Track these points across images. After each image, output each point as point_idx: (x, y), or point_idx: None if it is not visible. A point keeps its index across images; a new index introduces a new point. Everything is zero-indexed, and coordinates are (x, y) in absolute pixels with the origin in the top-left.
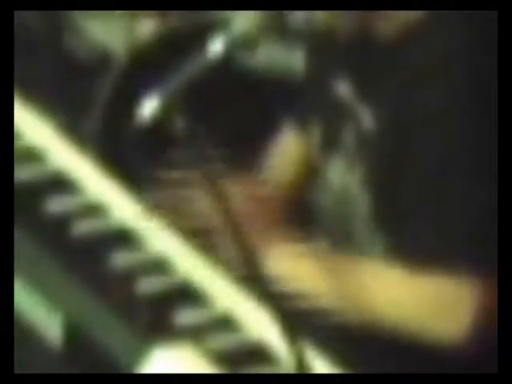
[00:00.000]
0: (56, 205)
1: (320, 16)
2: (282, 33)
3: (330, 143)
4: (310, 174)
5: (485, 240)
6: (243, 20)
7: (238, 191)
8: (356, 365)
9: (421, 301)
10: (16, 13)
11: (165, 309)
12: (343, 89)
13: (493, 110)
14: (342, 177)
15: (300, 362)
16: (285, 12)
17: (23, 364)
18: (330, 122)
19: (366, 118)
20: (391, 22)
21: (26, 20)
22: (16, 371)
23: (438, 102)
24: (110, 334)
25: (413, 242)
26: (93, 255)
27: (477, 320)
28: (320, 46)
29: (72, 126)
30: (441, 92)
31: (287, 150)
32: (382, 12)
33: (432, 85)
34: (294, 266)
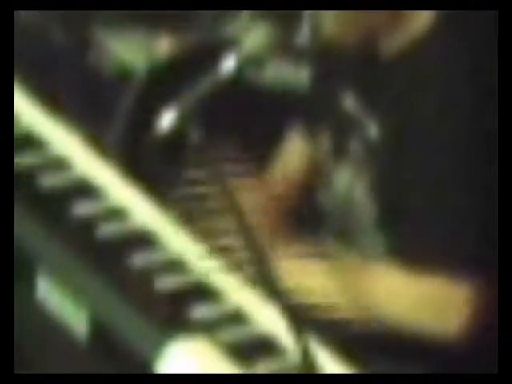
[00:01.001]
0: (82, 209)
1: (326, 33)
2: (289, 50)
3: (337, 151)
4: (316, 178)
5: (478, 245)
6: (253, 39)
7: (251, 191)
8: (357, 359)
9: (419, 300)
10: (43, 30)
11: (181, 305)
12: (349, 101)
13: (489, 119)
14: (348, 183)
15: (305, 353)
16: (292, 30)
17: (51, 358)
18: (338, 131)
19: (371, 128)
20: (394, 40)
21: (53, 37)
22: (47, 364)
23: (436, 113)
24: (132, 328)
25: (412, 246)
26: (116, 256)
27: (470, 317)
28: (327, 62)
29: (96, 136)
30: (440, 103)
31: (294, 155)
32: (386, 30)
33: (431, 97)
34: (301, 266)
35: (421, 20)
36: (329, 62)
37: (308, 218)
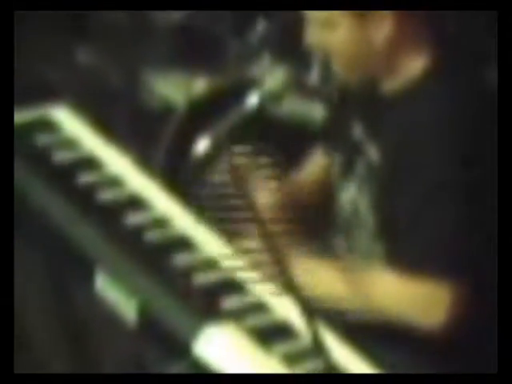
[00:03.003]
0: (133, 218)
1: (336, 75)
2: (303, 89)
3: (346, 171)
4: (329, 191)
5: (458, 253)
6: (273, 79)
7: (275, 192)
8: (357, 342)
9: (409, 297)
10: (101, 72)
11: (214, 297)
12: (356, 130)
13: (474, 143)
14: (353, 198)
15: (315, 336)
16: (305, 72)
17: (107, 339)
18: (347, 155)
19: (373, 153)
20: (394, 80)
21: (110, 78)
22: (104, 344)
23: (428, 141)
24: (174, 315)
25: (404, 253)
26: (160, 256)
27: (450, 312)
28: (337, 98)
29: (144, 159)
30: (431, 133)
31: (316, 167)
32: (387, 72)
33: (425, 127)
34: (313, 264)
35: (417, 63)
36: (339, 98)
37: (319, 224)
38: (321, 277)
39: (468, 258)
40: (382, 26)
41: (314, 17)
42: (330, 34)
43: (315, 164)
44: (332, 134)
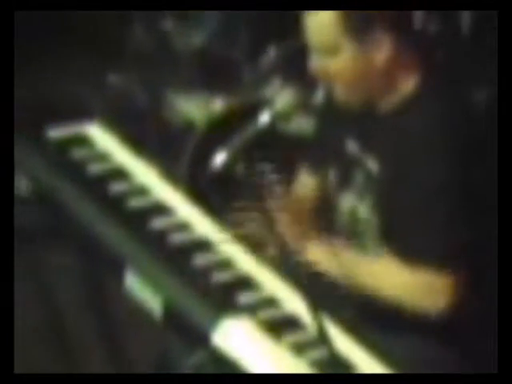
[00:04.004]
0: (158, 223)
1: (336, 96)
2: (308, 108)
3: (342, 183)
4: (324, 200)
5: (454, 246)
6: (282, 100)
7: (280, 204)
8: (361, 329)
9: (411, 285)
10: (129, 92)
11: (230, 293)
12: (351, 145)
13: (464, 156)
14: (352, 204)
15: (320, 327)
16: (310, 94)
17: (135, 331)
18: (343, 167)
19: (371, 164)
20: (388, 99)
21: (137, 98)
22: (132, 335)
23: (421, 151)
24: (194, 309)
25: (405, 248)
26: (183, 256)
27: (449, 298)
28: (336, 115)
29: (169, 170)
30: (424, 144)
31: (305, 188)
32: (382, 92)
33: (418, 140)
34: (322, 257)
35: (410, 83)
36: (338, 116)
37: (324, 227)
38: (330, 264)
39: (465, 249)
40: (381, 49)
41: (317, 45)
42: (333, 60)
43: (306, 184)
44: (325, 151)
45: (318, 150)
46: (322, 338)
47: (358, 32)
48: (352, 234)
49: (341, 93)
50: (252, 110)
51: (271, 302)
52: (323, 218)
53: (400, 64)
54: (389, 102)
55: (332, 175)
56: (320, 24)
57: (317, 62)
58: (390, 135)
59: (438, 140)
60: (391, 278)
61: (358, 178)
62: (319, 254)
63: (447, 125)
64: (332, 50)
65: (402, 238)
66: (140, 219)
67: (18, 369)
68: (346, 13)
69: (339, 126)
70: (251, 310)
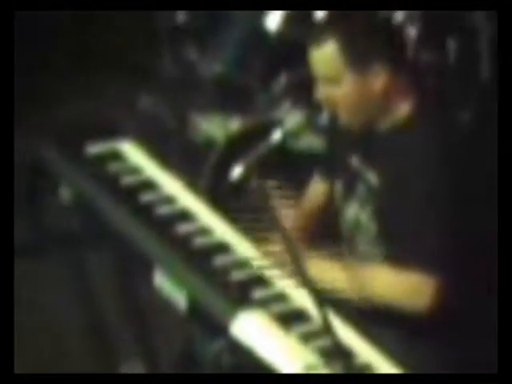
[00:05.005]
0: (183, 227)
1: (340, 118)
2: (316, 128)
3: (347, 192)
4: (332, 208)
5: (441, 252)
6: (292, 120)
7: (290, 212)
8: (359, 324)
9: (401, 287)
10: (156, 114)
11: (246, 289)
12: (355, 160)
13: (458, 169)
14: (356, 213)
15: (324, 320)
16: (316, 116)
17: (163, 322)
18: (348, 180)
19: (372, 178)
20: (387, 119)
21: (164, 119)
22: (160, 327)
23: (415, 166)
24: (215, 304)
25: (398, 252)
26: (205, 257)
27: (434, 299)
28: (340, 135)
29: (192, 182)
30: (420, 159)
31: (316, 192)
32: (381, 113)
33: (412, 157)
34: (323, 264)
35: (405, 106)
36: (342, 135)
37: (328, 232)
38: (329, 273)
39: (449, 254)
40: (378, 79)
41: (321, 75)
42: (335, 88)
43: (317, 189)
44: (333, 165)
45: (326, 165)
46: (327, 329)
47: (358, 64)
48: (353, 240)
49: (344, 116)
50: (265, 129)
51: (282, 297)
52: (330, 224)
53: (396, 90)
54: (386, 123)
55: (338, 186)
56: (324, 57)
57: (322, 90)
58: (387, 152)
59: (430, 156)
60: (383, 280)
61: (361, 189)
62: (322, 266)
63: (437, 142)
64: (335, 80)
65: (395, 243)
66: (167, 225)
67: (61, 367)
68: (348, 48)
69: (343, 143)
70: (264, 304)
